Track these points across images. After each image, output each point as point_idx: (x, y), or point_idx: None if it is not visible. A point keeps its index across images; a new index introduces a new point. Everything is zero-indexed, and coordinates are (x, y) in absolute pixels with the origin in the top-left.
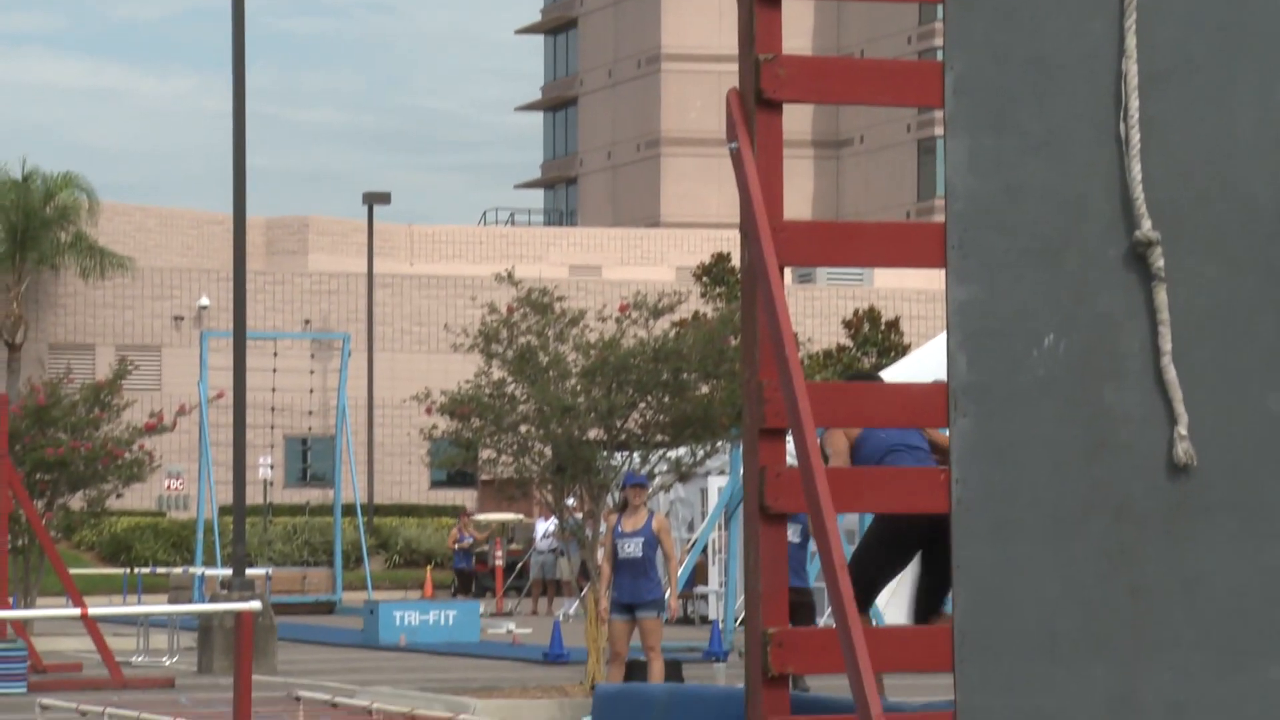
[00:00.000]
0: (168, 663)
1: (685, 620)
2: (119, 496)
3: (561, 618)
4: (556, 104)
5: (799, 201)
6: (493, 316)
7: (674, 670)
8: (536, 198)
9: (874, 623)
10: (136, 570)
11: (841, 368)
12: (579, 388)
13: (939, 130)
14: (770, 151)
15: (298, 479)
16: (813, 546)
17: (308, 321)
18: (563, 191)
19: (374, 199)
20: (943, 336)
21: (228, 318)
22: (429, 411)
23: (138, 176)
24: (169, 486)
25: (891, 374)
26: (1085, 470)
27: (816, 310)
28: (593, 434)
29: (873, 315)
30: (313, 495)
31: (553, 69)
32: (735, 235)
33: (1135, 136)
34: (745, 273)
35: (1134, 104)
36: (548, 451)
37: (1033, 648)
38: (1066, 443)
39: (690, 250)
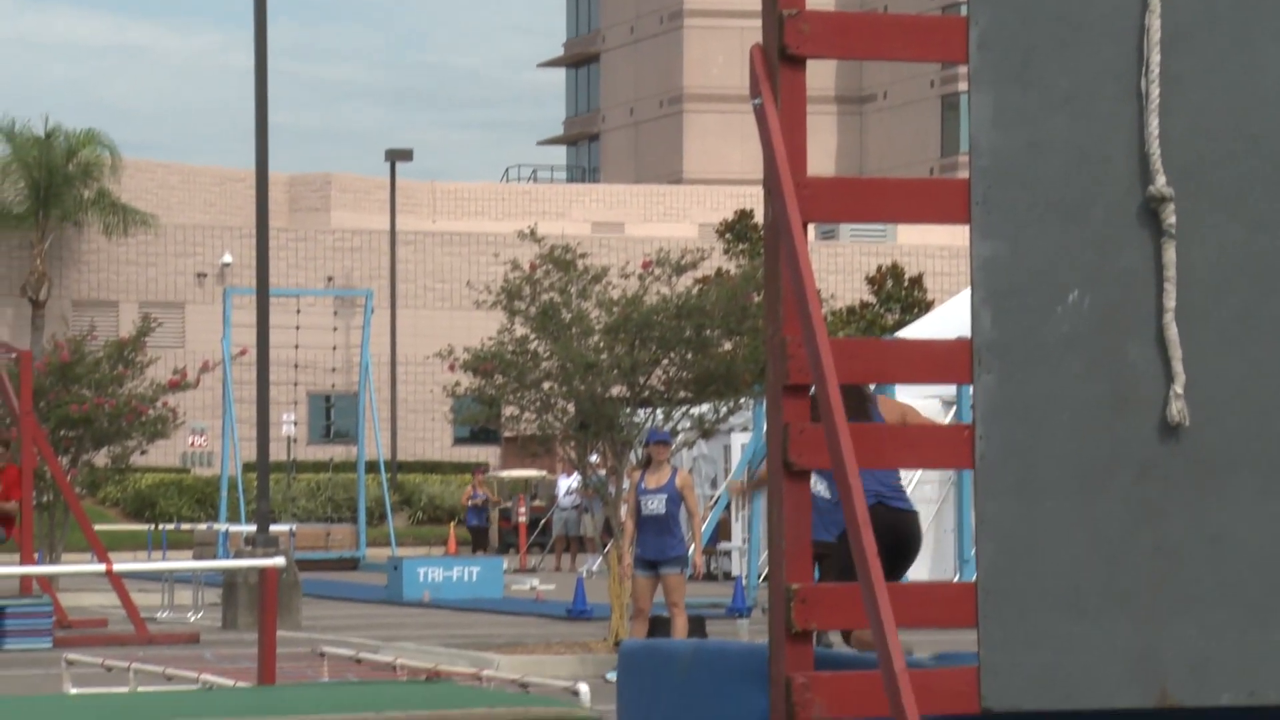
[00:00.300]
0: (192, 618)
1: (709, 576)
2: (143, 453)
3: (585, 574)
4: (579, 60)
5: (822, 157)
6: (515, 273)
7: (697, 626)
8: (559, 154)
9: None
10: (161, 526)
11: (864, 324)
12: (602, 344)
13: (963, 86)
14: (794, 107)
15: (321, 436)
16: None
17: (330, 278)
18: (585, 148)
19: (396, 156)
20: (966, 293)
21: (251, 274)
22: (452, 368)
23: (161, 133)
24: (193, 443)
25: (915, 330)
26: (1109, 426)
27: (840, 266)
28: (615, 391)
29: (896, 272)
30: (336, 452)
31: (575, 24)
32: (758, 191)
33: (1155, 91)
34: (768, 229)
35: (1155, 59)
36: (570, 408)
37: (1056, 604)
38: (1090, 399)
39: (713, 207)
